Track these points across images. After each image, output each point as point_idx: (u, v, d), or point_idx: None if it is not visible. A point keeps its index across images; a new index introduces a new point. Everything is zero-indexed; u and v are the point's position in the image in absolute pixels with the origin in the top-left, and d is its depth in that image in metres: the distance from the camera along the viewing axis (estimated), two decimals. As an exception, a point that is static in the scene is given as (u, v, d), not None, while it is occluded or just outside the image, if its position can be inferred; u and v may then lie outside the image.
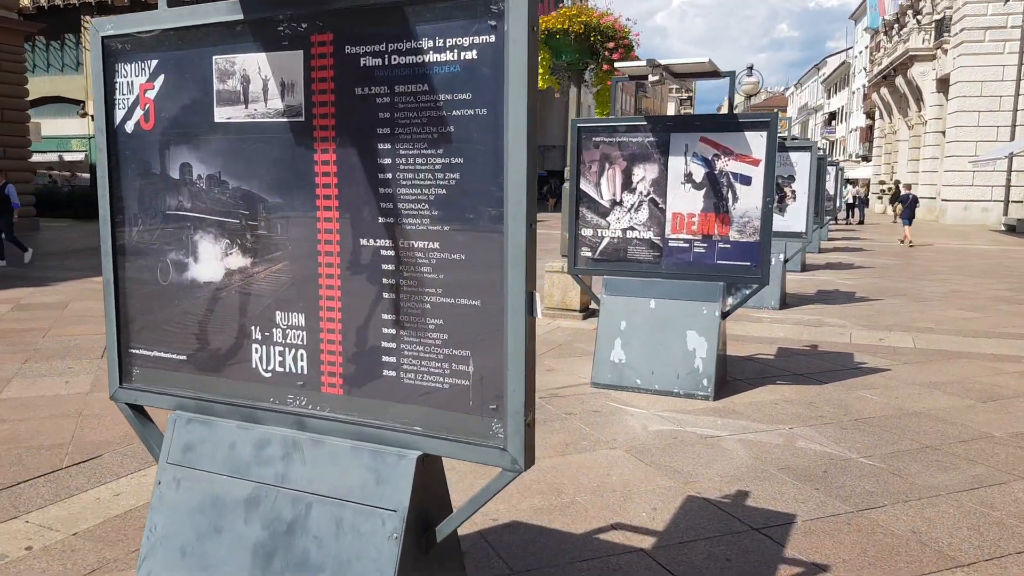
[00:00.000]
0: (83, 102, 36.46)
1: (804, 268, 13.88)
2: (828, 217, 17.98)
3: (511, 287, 1.82)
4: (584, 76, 8.79)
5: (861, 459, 4.27)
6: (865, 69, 53.46)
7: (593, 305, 8.70)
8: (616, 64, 5.94)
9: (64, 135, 37.23)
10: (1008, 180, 29.12)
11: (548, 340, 7.55)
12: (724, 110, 5.88)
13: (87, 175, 36.04)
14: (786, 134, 11.10)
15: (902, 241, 21.26)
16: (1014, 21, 28.79)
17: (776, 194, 9.32)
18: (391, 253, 2.00)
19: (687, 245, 5.76)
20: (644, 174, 5.83)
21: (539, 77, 8.36)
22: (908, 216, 21.43)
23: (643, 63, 5.46)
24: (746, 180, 5.55)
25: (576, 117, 6.37)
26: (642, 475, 3.99)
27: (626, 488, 3.81)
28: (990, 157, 27.07)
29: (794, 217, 9.45)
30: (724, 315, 5.73)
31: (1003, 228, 27.23)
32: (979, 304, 10.17)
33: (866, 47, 53.80)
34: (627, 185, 5.88)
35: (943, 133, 32.24)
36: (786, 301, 9.92)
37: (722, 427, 4.86)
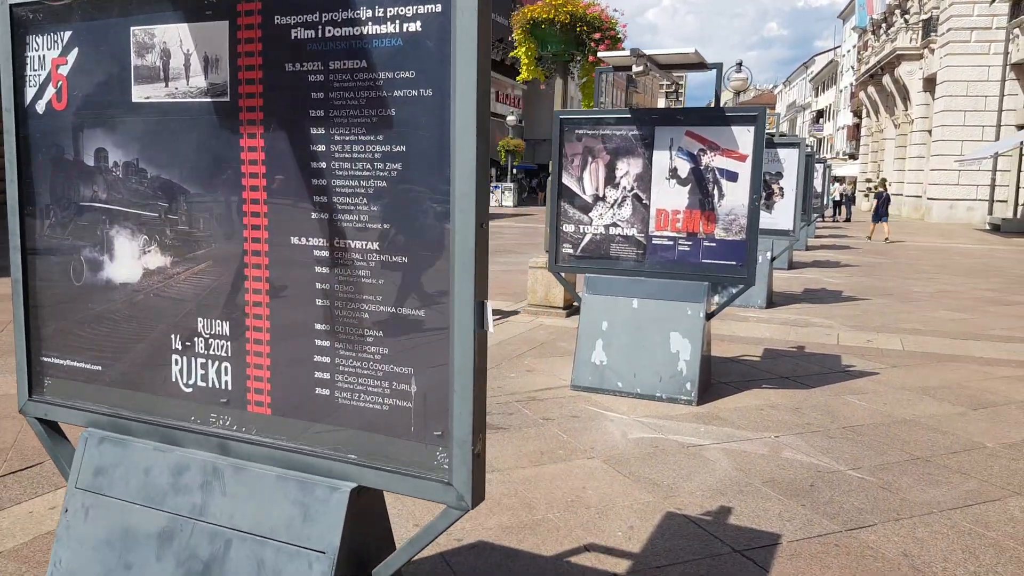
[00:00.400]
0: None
1: (791, 266, 13.72)
2: (815, 215, 17.84)
3: (458, 296, 1.57)
4: (570, 68, 8.53)
5: (849, 471, 4.06)
6: (853, 68, 53.53)
7: (576, 303, 8.47)
8: (600, 54, 5.68)
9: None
10: (993, 180, 29.17)
11: (530, 338, 7.31)
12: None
13: None
14: (774, 130, 10.89)
15: (869, 237, 21.74)
16: (999, 22, 28.79)
17: (763, 191, 9.12)
18: (326, 254, 1.74)
19: (671, 243, 5.53)
20: (628, 168, 5.59)
21: (524, 68, 8.06)
22: (882, 214, 21.70)
23: (627, 53, 5.22)
24: (732, 176, 5.33)
25: (561, 109, 6.12)
26: (620, 488, 3.76)
27: (602, 503, 3.57)
28: (975, 156, 27.07)
29: (781, 215, 9.26)
30: (709, 316, 5.51)
31: (988, 227, 27.27)
32: (966, 304, 10.03)
33: (854, 46, 53.85)
34: (610, 180, 5.64)
35: (929, 132, 32.26)
36: (773, 300, 9.73)
37: (705, 435, 4.63)
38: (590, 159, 5.68)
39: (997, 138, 28.43)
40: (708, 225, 5.42)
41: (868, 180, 42.74)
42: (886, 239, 21.12)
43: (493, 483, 3.77)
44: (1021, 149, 26.08)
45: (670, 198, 5.49)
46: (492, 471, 3.93)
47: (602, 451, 4.30)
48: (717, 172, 5.35)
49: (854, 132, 54.68)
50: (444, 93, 1.56)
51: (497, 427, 4.66)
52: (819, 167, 17.16)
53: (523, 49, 8.40)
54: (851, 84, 53.49)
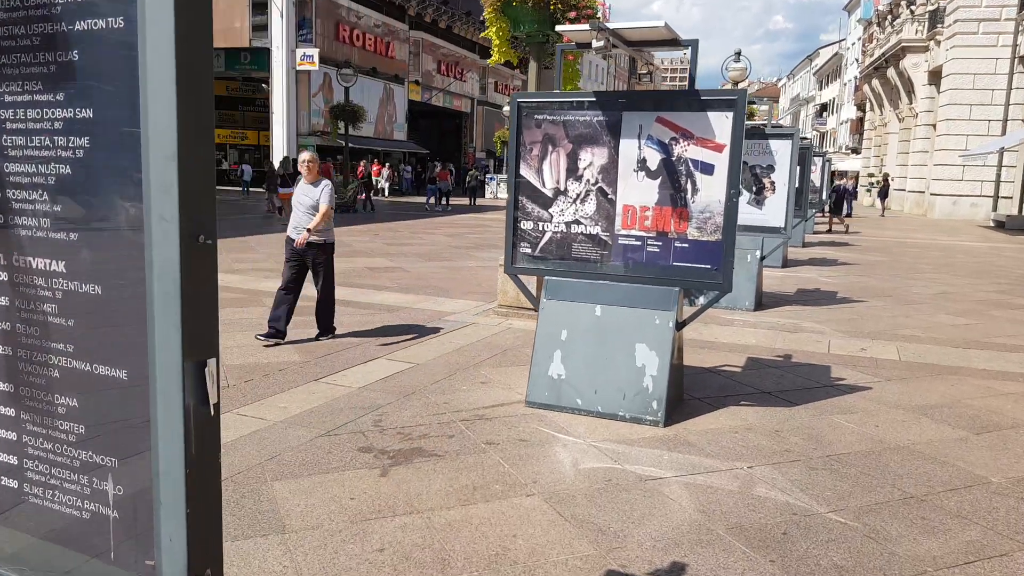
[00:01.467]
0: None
1: (785, 264, 13.11)
2: (813, 210, 17.22)
3: (159, 351, 0.98)
4: (545, 49, 7.90)
5: (830, 514, 3.48)
6: (857, 60, 52.70)
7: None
8: (559, 28, 5.07)
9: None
10: (998, 175, 28.49)
11: (493, 343, 6.73)
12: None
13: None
14: (766, 121, 10.27)
15: (829, 231, 21.73)
16: (1008, 13, 28.05)
17: (754, 185, 8.53)
18: (2, 276, 1.14)
19: (639, 243, 4.93)
20: (592, 159, 4.99)
21: (496, 50, 7.45)
22: (838, 208, 21.62)
23: (587, 27, 4.61)
24: (708, 168, 4.72)
25: (520, 92, 5.48)
26: (557, 537, 3.18)
27: (532, 559, 2.99)
28: (981, 151, 26.38)
29: (773, 210, 8.65)
30: (680, 326, 4.91)
31: (992, 224, 26.62)
32: (969, 308, 9.42)
33: (859, 39, 53.02)
34: (572, 172, 5.04)
35: (934, 126, 31.56)
36: (762, 302, 9.13)
37: (668, 464, 4.05)
38: (550, 148, 5.08)
39: (1003, 133, 27.73)
40: (680, 224, 4.82)
41: (870, 175, 42.05)
42: (832, 228, 21.56)
43: (408, 529, 3.19)
44: (1027, 144, 25.38)
45: (638, 193, 4.90)
46: (412, 513, 3.35)
47: (546, 486, 3.72)
48: (691, 164, 4.75)
49: (857, 126, 53.90)
50: (132, 21, 0.96)
51: (431, 454, 4.07)
52: (818, 160, 16.52)
53: (494, 29, 7.78)
54: (855, 77, 52.69)
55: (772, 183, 8.64)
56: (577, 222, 5.07)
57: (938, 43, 31.11)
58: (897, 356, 6.73)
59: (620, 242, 4.98)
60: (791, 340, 7.24)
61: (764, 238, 8.81)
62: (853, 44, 57.12)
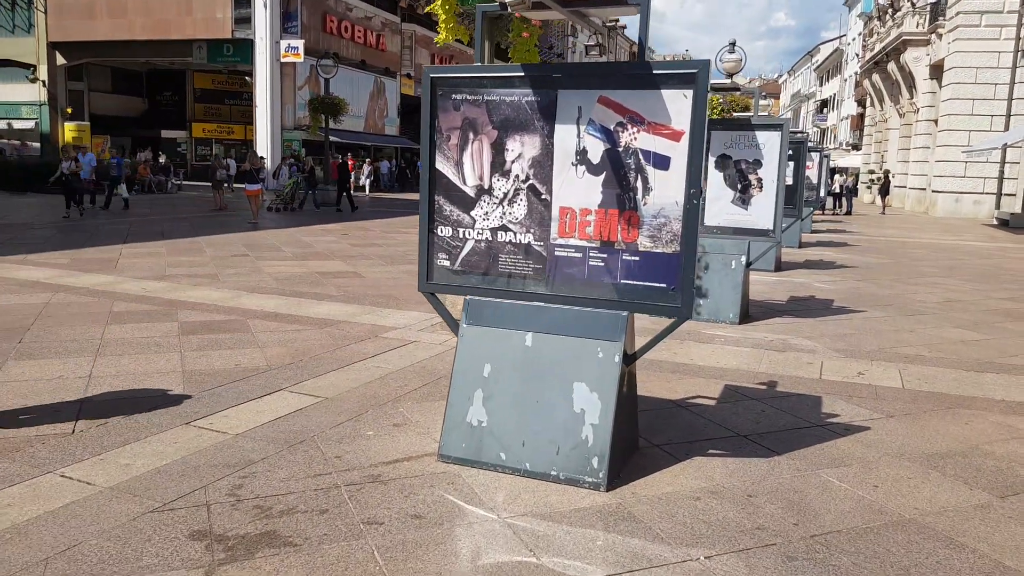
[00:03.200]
0: (34, 66, 34.06)
1: (779, 267, 12.11)
2: (810, 208, 16.22)
3: None
4: (499, 24, 6.89)
5: (812, 646, 2.48)
6: (857, 56, 51.65)
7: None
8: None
9: (13, 101, 34.84)
10: (1001, 172, 27.50)
11: (429, 369, 5.72)
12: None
13: (37, 144, 33.79)
14: (752, 112, 9.25)
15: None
16: (1011, 5, 27.00)
17: (739, 182, 7.54)
18: None
19: (579, 255, 3.93)
20: (521, 150, 3.98)
21: (443, 26, 6.39)
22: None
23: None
24: (662, 162, 3.72)
25: (433, 66, 4.42)
26: None
27: None
28: (984, 147, 25.38)
29: (760, 211, 7.65)
30: (629, 359, 3.91)
31: (995, 222, 25.62)
32: (979, 319, 8.43)
33: (859, 34, 51.96)
34: (498, 165, 4.04)
35: (935, 121, 30.54)
36: (748, 312, 8.13)
37: (601, 557, 3.05)
38: (471, 136, 4.08)
39: (1007, 128, 26.71)
40: (629, 231, 3.82)
41: (871, 171, 41.04)
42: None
43: None
44: (1033, 139, 24.36)
45: (578, 192, 3.89)
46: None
47: (424, 594, 2.72)
48: (641, 156, 3.75)
49: (858, 122, 52.86)
50: None
51: (285, 542, 3.07)
52: (814, 156, 15.51)
53: (440, 2, 6.77)
54: (856, 73, 51.65)
55: (759, 180, 7.63)
56: (505, 228, 4.07)
57: (939, 36, 30.07)
58: (900, 382, 5.73)
59: (556, 254, 3.98)
60: (778, 362, 6.24)
61: (751, 241, 7.80)
62: (854, 39, 56.09)
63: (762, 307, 8.67)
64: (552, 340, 3.93)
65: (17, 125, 34.60)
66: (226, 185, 22.11)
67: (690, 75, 3.59)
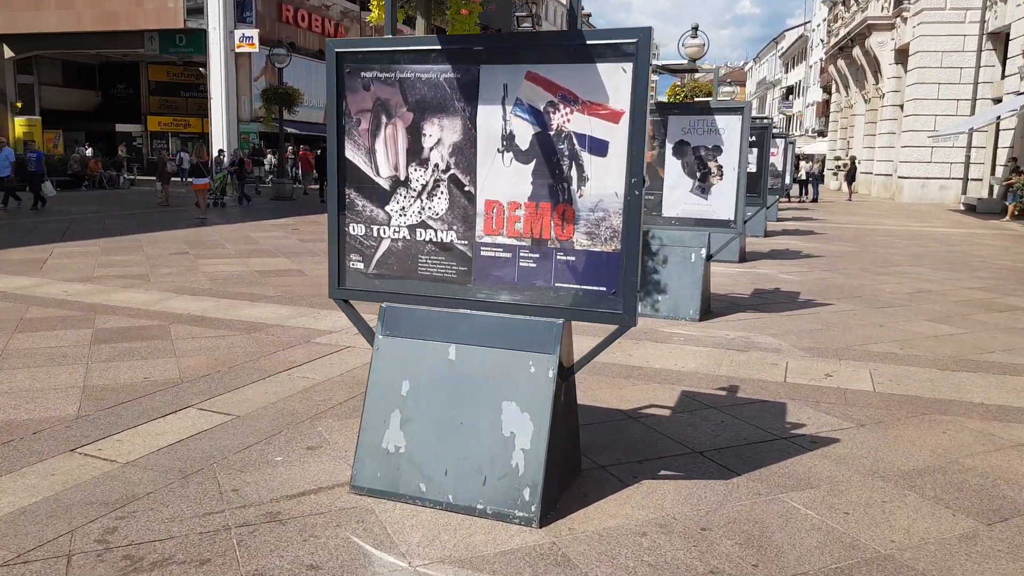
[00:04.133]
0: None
1: (743, 258, 11.74)
2: (775, 196, 15.90)
3: None
4: (435, 4, 6.36)
5: None
6: (822, 42, 51.73)
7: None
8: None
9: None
10: (968, 157, 27.54)
11: (359, 379, 5.18)
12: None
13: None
14: (713, 95, 8.80)
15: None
16: (976, -11, 26.98)
17: (699, 170, 7.10)
18: None
19: (508, 255, 3.43)
20: (440, 135, 3.47)
21: (375, 5, 5.83)
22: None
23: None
24: (599, 147, 3.23)
25: (338, 39, 3.82)
26: None
27: None
28: (950, 132, 25.38)
29: (721, 200, 7.21)
30: (566, 373, 3.43)
31: (962, 207, 25.61)
32: (951, 311, 8.10)
33: (824, 19, 52.00)
34: (415, 153, 3.52)
35: (901, 107, 30.54)
36: (710, 308, 7.71)
37: (523, 613, 2.57)
38: (384, 119, 3.55)
39: (972, 112, 26.74)
40: (563, 227, 3.33)
41: (837, 158, 41.10)
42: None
43: None
44: (997, 124, 24.38)
45: (506, 183, 3.39)
46: None
47: None
48: (575, 140, 3.26)
49: (824, 109, 53.01)
50: None
51: (140, 608, 2.55)
52: (779, 142, 15.18)
53: (371, -22, 6.22)
54: (821, 59, 51.72)
55: (719, 167, 7.19)
56: (424, 225, 3.55)
57: (904, 20, 30.02)
58: (871, 384, 5.33)
59: (483, 254, 3.48)
60: (740, 363, 5.81)
61: (711, 233, 7.37)
62: (819, 25, 56.17)
63: (724, 302, 8.26)
64: (478, 353, 3.44)
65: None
66: (173, 179, 21.13)
67: (629, 45, 3.10)
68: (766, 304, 8.24)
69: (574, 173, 3.28)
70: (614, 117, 3.19)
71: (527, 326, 3.38)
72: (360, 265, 3.69)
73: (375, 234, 3.64)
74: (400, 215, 3.58)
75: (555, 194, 3.33)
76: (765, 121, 13.43)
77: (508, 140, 3.36)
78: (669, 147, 7.29)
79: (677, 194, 7.34)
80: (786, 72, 73.62)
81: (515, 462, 3.27)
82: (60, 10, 30.95)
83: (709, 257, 7.44)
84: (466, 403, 3.41)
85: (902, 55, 30.54)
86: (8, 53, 32.09)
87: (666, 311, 7.30)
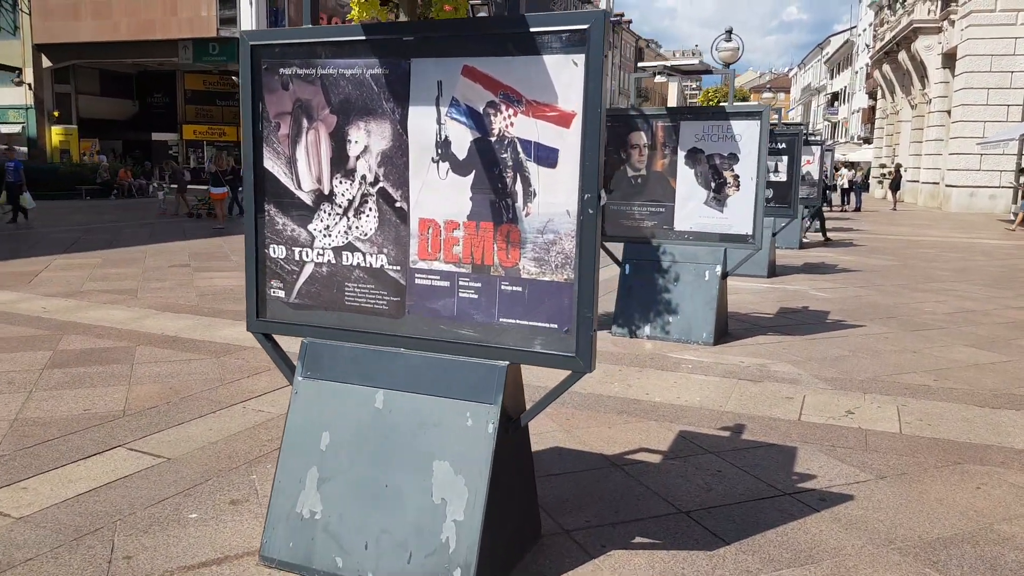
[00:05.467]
0: (19, 69, 33.32)
1: (773, 272, 11.01)
2: (810, 206, 15.06)
3: None
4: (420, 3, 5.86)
5: None
6: (868, 46, 50.21)
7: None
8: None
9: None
10: (1018, 165, 26.15)
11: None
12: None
13: (25, 148, 33.03)
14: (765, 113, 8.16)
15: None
16: (1029, -11, 25.68)
17: (713, 180, 6.49)
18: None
19: (446, 284, 2.89)
20: (367, 141, 2.94)
21: (356, 4, 5.35)
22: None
23: None
24: (548, 156, 2.67)
25: (252, 29, 3.32)
26: None
27: None
28: (999, 139, 24.09)
29: (737, 212, 6.55)
30: (511, 426, 2.86)
31: (1012, 218, 24.26)
32: (996, 334, 7.30)
33: (870, 24, 50.50)
34: (340, 163, 3.00)
35: (948, 113, 29.21)
36: (727, 330, 7.05)
37: None
38: (306, 124, 3.04)
39: (1023, 119, 25.41)
40: (508, 251, 2.77)
41: (882, 165, 39.68)
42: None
43: None
44: (1052, 130, 23.06)
45: (442, 198, 2.85)
46: None
47: None
48: (520, 148, 2.70)
49: (869, 115, 51.41)
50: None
51: None
52: (815, 149, 14.37)
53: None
54: (866, 65, 50.23)
55: (736, 177, 6.55)
56: (351, 247, 3.03)
57: (952, 23, 28.73)
58: (897, 425, 4.64)
59: (417, 282, 2.94)
60: (751, 397, 5.16)
61: (726, 248, 6.72)
62: (864, 30, 54.60)
63: (745, 322, 7.58)
64: (409, 401, 2.89)
65: (4, 129, 33.87)
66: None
67: (578, 33, 2.54)
68: (791, 325, 7.55)
69: (519, 187, 2.72)
70: (564, 120, 2.62)
71: (465, 370, 2.83)
72: (281, 293, 3.18)
73: (297, 257, 3.13)
74: (324, 235, 3.06)
75: (498, 212, 2.77)
76: (799, 127, 12.66)
77: (443, 148, 2.82)
78: (681, 155, 6.66)
79: (690, 206, 6.70)
80: (831, 78, 71.83)
81: (445, 536, 2.71)
82: (96, 20, 31.37)
83: (725, 275, 6.79)
84: (393, 461, 2.86)
85: (950, 59, 29.24)
86: (46, 63, 32.64)
87: (677, 334, 6.67)
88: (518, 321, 2.78)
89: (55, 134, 31.76)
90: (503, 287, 2.80)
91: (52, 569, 2.90)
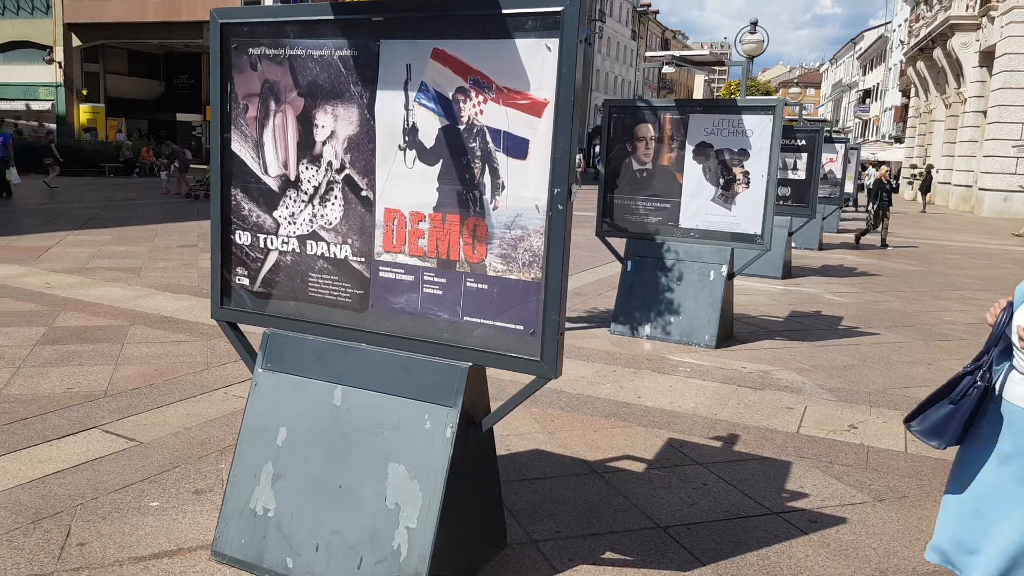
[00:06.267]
0: (50, 47, 33.68)
1: (788, 274, 10.74)
2: (832, 207, 14.71)
3: None
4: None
5: None
6: (903, 42, 49.08)
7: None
8: None
9: (31, 82, 34.55)
10: (1056, 170, 25.41)
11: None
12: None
13: (54, 125, 33.42)
14: (793, 110, 7.92)
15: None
16: (1074, -13, 24.85)
17: (722, 176, 6.29)
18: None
19: (411, 278, 2.75)
20: (334, 126, 2.80)
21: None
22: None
23: None
24: (517, 147, 2.51)
25: (223, 8, 3.17)
26: None
27: None
28: (1037, 142, 23.41)
29: (746, 211, 6.33)
30: (471, 430, 2.72)
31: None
32: (1017, 347, 7.00)
33: (906, 19, 49.35)
34: (307, 148, 2.87)
35: (984, 113, 28.43)
36: (731, 333, 6.84)
37: None
38: (274, 106, 2.91)
39: (1064, 122, 24.63)
40: (474, 247, 2.62)
41: (913, 166, 38.82)
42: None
43: None
44: (1092, 135, 22.33)
45: (408, 188, 2.71)
46: None
47: None
48: (489, 137, 2.54)
49: (901, 113, 50.34)
50: None
51: None
52: (839, 147, 14.00)
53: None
54: (900, 61, 49.13)
55: (745, 174, 6.32)
56: (316, 236, 2.90)
57: (991, 20, 27.91)
58: (903, 443, 4.43)
59: (381, 275, 2.80)
60: (749, 405, 4.97)
61: (733, 248, 6.50)
62: (900, 25, 53.39)
63: (753, 325, 7.36)
64: (368, 399, 2.76)
65: (35, 106, 34.29)
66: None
67: (552, 16, 2.37)
68: (800, 330, 7.31)
69: (487, 179, 2.57)
70: (535, 109, 2.46)
71: (426, 369, 2.69)
72: (246, 281, 3.06)
73: (262, 244, 3.00)
74: (289, 223, 2.93)
75: (465, 205, 2.62)
76: (823, 125, 12.34)
77: (411, 135, 2.67)
78: (689, 149, 6.45)
79: (697, 203, 6.49)
80: (863, 74, 70.43)
81: (397, 543, 2.58)
82: (125, 0, 31.57)
83: (731, 275, 6.58)
84: (349, 461, 2.74)
85: (987, 57, 28.44)
86: (76, 42, 32.93)
87: (678, 335, 6.48)
88: (483, 320, 2.63)
89: (83, 112, 32.08)
90: (468, 284, 2.65)
91: (3, 552, 2.82)
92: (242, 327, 3.14)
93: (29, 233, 11.17)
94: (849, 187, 17.35)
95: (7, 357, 5.21)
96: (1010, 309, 2.51)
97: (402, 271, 2.76)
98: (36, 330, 5.89)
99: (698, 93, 51.76)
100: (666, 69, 6.43)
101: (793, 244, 11.51)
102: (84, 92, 33.19)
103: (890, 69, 56.69)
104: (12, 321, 6.12)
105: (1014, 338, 2.44)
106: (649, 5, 55.73)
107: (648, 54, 6.79)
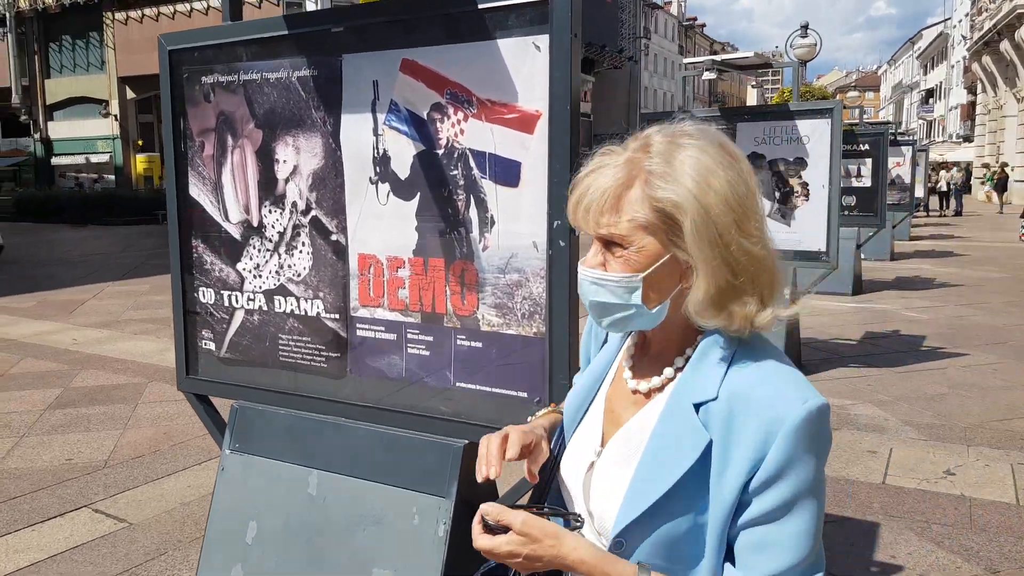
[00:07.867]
0: (106, 102, 34.96)
1: (859, 289, 9.92)
2: (902, 214, 13.74)
3: None
4: None
5: None
6: (964, 38, 47.06)
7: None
8: None
9: (89, 136, 35.89)
10: None
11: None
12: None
13: (112, 176, 34.60)
14: (850, 115, 7.25)
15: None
16: None
17: (777, 189, 5.67)
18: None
19: (392, 337, 2.26)
20: (296, 160, 2.36)
21: None
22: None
23: None
24: (508, 172, 2.01)
25: (171, 32, 2.76)
26: None
27: None
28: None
29: (807, 226, 5.68)
30: (466, 524, 2.19)
31: None
32: None
33: (966, 14, 47.36)
34: (268, 187, 2.43)
35: (1061, 105, 26.74)
36: (799, 360, 6.15)
37: None
38: (230, 141, 2.49)
39: None
40: (463, 296, 2.12)
41: (985, 165, 36.86)
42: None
43: None
44: None
45: (383, 229, 2.23)
46: None
47: None
48: (473, 162, 2.06)
49: (968, 111, 48.10)
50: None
51: None
52: (905, 150, 13.08)
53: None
54: (964, 57, 47.06)
55: (804, 185, 5.69)
56: (283, 291, 2.45)
57: (1063, 7, 26.34)
58: (1012, 492, 3.71)
59: (359, 333, 2.33)
60: (822, 449, 4.31)
61: (795, 267, 5.85)
62: (960, 21, 51.32)
63: (822, 351, 6.65)
64: (347, 486, 2.27)
65: (94, 159, 35.59)
66: None
67: (538, 7, 1.88)
68: (877, 354, 6.56)
69: (473, 213, 2.08)
70: (526, 124, 1.96)
71: (413, 449, 2.19)
72: (212, 346, 2.63)
73: (227, 302, 2.57)
74: (255, 276, 2.49)
75: (449, 246, 2.13)
76: (887, 126, 11.51)
77: (382, 165, 2.20)
78: (739, 162, 5.85)
79: (751, 220, 5.86)
80: (924, 74, 67.93)
81: (381, 671, 2.07)
82: (177, 51, 32.57)
83: (793, 299, 5.90)
84: (325, 564, 2.25)
85: (1061, 46, 26.81)
86: (130, 94, 34.10)
87: (737, 366, 5.83)
88: (479, 387, 2.13)
89: (139, 162, 33.08)
90: (459, 342, 2.15)
91: None
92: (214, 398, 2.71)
93: (69, 286, 11.19)
94: (920, 191, 16.27)
95: (14, 425, 4.93)
96: None
97: (382, 328, 2.28)
98: (50, 392, 5.64)
99: (750, 104, 50.59)
100: (707, 76, 5.85)
101: (863, 256, 10.67)
102: (140, 143, 34.26)
103: (953, 66, 54.46)
104: (29, 383, 5.89)
105: None
106: (695, 19, 54.90)
107: (686, 61, 6.25)
